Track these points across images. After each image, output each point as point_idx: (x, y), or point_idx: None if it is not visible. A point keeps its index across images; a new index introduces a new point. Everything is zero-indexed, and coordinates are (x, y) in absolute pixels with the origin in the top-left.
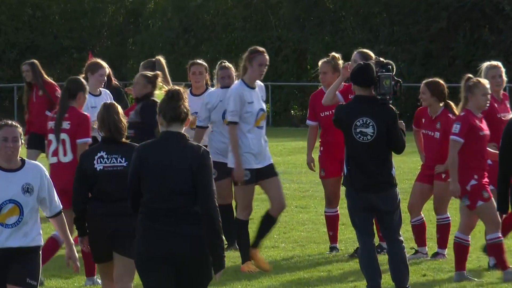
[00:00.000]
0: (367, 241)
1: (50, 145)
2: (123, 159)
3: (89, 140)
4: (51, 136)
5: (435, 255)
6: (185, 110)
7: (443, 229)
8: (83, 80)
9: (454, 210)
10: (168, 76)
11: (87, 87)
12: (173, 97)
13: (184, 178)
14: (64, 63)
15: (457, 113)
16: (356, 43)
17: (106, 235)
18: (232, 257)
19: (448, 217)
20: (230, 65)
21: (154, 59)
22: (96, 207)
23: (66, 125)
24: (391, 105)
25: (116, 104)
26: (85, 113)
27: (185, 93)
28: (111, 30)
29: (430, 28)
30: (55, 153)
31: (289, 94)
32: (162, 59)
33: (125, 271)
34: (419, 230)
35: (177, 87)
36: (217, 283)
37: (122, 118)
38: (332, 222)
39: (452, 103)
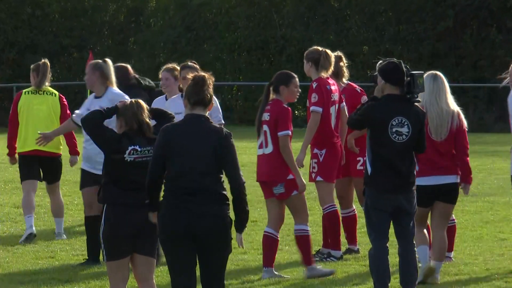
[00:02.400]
0: (382, 243)
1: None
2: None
3: (289, 132)
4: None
5: None
6: (209, 95)
7: (449, 231)
8: (290, 72)
9: (460, 212)
10: (47, 79)
11: (297, 81)
12: (197, 82)
13: (207, 159)
14: (64, 62)
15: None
16: (361, 42)
17: (131, 228)
18: (235, 260)
19: (454, 220)
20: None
21: (41, 62)
22: (122, 197)
23: (266, 116)
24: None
25: (142, 101)
26: (286, 106)
27: (210, 79)
28: (112, 29)
29: (436, 26)
30: (261, 145)
31: None
32: (47, 62)
33: (148, 270)
34: None
35: (202, 73)
36: None
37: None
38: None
39: None
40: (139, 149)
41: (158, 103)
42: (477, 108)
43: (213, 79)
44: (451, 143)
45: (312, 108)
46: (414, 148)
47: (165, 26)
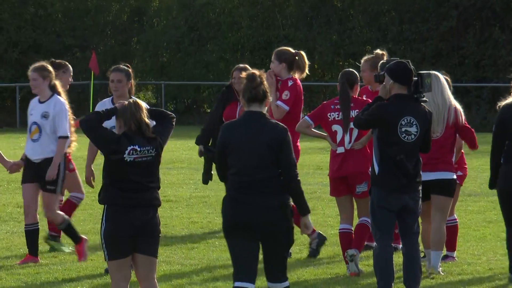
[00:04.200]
0: (387, 243)
1: (335, 135)
2: (153, 149)
3: None
4: (335, 127)
5: (445, 257)
6: (262, 91)
7: (451, 231)
8: (356, 72)
9: (463, 211)
10: None
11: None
12: (249, 80)
13: (263, 154)
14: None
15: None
16: (365, 42)
17: (132, 229)
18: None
19: (456, 219)
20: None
21: None
22: (122, 197)
23: (355, 114)
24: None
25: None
26: (368, 99)
27: (263, 75)
28: (115, 29)
29: (439, 26)
30: (342, 143)
31: None
32: None
33: (150, 270)
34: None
35: (254, 70)
36: (224, 284)
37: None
38: None
39: None
40: (139, 149)
41: (34, 105)
42: (480, 108)
43: (265, 75)
44: (446, 139)
45: (279, 103)
46: (420, 148)
47: (168, 26)
